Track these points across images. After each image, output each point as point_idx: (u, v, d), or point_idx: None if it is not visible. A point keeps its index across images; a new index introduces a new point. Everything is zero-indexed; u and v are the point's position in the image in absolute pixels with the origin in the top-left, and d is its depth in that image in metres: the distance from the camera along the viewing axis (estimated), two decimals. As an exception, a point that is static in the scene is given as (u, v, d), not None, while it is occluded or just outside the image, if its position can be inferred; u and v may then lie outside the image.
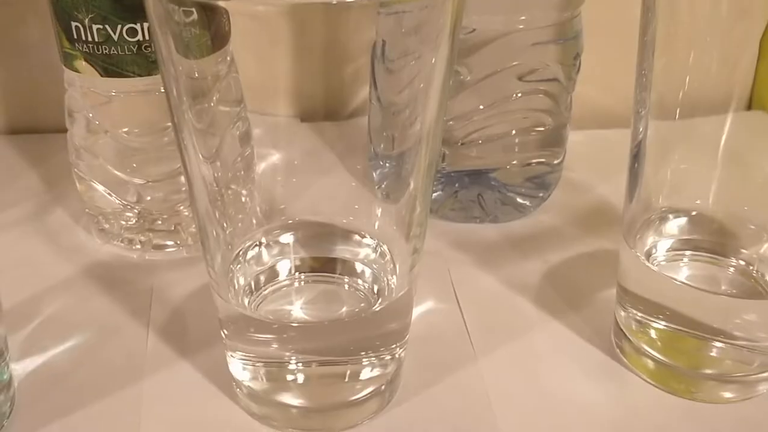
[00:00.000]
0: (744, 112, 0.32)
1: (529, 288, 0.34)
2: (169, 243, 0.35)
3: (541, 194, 0.38)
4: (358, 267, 0.29)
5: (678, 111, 0.29)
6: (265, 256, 0.29)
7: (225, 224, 0.28)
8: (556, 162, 0.38)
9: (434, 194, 0.38)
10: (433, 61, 0.24)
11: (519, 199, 0.38)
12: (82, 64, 0.32)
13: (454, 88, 0.34)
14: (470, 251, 0.36)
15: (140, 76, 0.31)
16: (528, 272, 0.35)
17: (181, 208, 0.35)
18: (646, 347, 0.29)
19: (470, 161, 0.36)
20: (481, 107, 0.34)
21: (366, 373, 0.27)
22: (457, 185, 0.38)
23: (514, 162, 0.36)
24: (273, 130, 0.30)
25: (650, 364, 0.30)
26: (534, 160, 0.37)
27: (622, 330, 0.30)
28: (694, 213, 0.30)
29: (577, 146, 0.41)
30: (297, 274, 0.29)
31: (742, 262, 0.30)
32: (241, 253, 0.28)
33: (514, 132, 0.35)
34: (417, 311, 0.32)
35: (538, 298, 0.33)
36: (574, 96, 0.37)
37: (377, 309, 0.26)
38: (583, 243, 0.37)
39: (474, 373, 0.30)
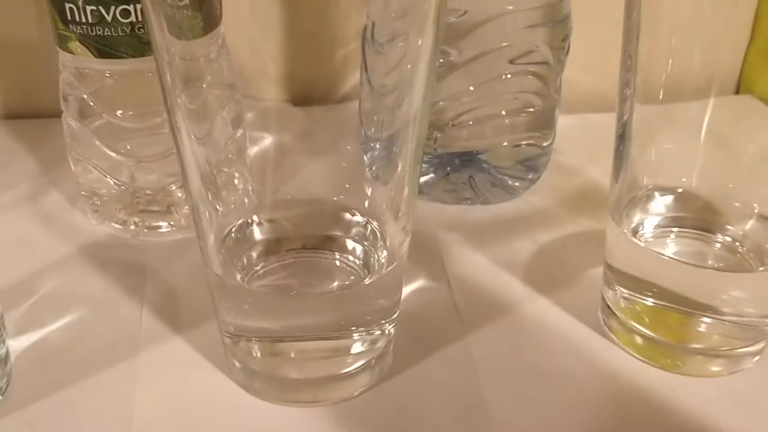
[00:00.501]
0: (732, 96, 0.32)
1: (518, 267, 0.35)
2: (163, 224, 0.36)
3: (530, 176, 0.39)
4: (349, 244, 0.29)
5: (663, 93, 0.29)
6: (257, 233, 0.29)
7: (218, 205, 0.28)
8: (545, 144, 0.38)
9: (426, 177, 0.38)
10: (419, 43, 0.25)
11: (509, 181, 0.38)
12: (76, 45, 0.32)
13: (444, 69, 0.34)
14: (461, 232, 0.37)
15: (133, 57, 0.32)
16: (517, 252, 0.35)
17: (174, 188, 0.35)
18: (633, 323, 0.30)
19: (461, 143, 0.37)
20: (471, 88, 0.35)
21: (357, 348, 0.28)
22: (448, 168, 0.38)
23: (505, 144, 0.37)
24: (266, 114, 0.31)
25: (637, 339, 0.30)
26: (524, 142, 0.37)
27: (609, 307, 0.31)
28: (680, 191, 0.31)
29: (568, 130, 0.42)
30: (289, 251, 0.29)
31: (728, 239, 0.30)
32: (233, 230, 0.29)
33: (503, 113, 0.36)
34: (408, 289, 0.33)
35: (527, 277, 0.34)
36: (566, 80, 0.38)
37: (367, 282, 0.27)
38: (571, 223, 0.37)
39: (463, 348, 0.30)
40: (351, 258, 0.29)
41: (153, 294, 0.32)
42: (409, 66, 0.25)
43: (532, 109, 0.36)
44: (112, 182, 0.35)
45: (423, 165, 0.38)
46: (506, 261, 0.35)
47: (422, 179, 0.39)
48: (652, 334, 0.30)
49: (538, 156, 0.38)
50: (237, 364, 0.28)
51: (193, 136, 0.26)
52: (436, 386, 0.29)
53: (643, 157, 0.30)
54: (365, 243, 0.29)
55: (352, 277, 0.28)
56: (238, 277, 0.28)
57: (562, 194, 0.39)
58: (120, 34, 0.31)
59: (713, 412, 0.28)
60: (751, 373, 0.29)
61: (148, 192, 0.35)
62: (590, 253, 0.34)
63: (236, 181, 0.30)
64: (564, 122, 0.41)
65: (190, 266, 0.33)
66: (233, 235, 0.28)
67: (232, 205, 0.29)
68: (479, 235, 0.37)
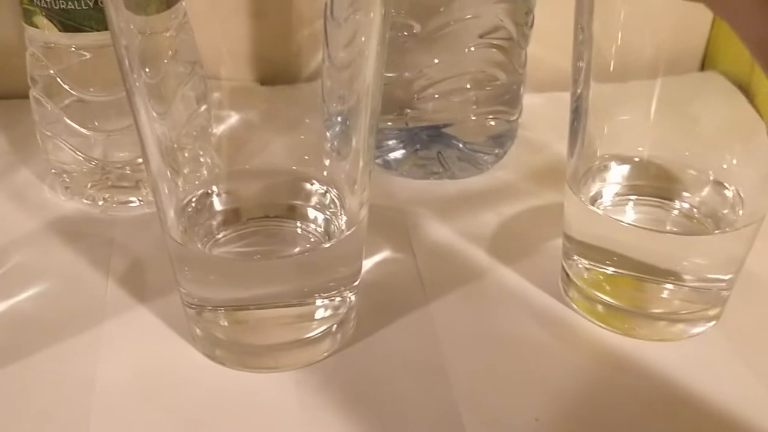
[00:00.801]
0: (696, 72, 0.33)
1: (482, 239, 0.35)
2: (132, 199, 0.36)
3: (497, 151, 0.39)
4: (310, 213, 0.30)
5: (618, 68, 0.30)
6: (218, 204, 0.30)
7: (179, 181, 0.28)
8: (512, 119, 0.38)
9: (396, 153, 0.39)
10: (371, 16, 0.25)
11: (476, 156, 0.39)
12: (41, 20, 0.32)
13: (409, 43, 0.35)
14: (428, 206, 0.37)
15: (98, 30, 0.32)
16: (482, 224, 0.36)
17: (140, 161, 0.35)
18: (594, 291, 0.30)
19: (429, 116, 0.37)
20: (436, 61, 0.35)
21: (319, 314, 0.28)
22: (418, 145, 0.39)
23: (472, 117, 0.37)
24: (232, 93, 0.31)
25: (597, 307, 0.31)
26: (490, 116, 0.38)
27: (568, 277, 0.31)
28: (636, 160, 0.31)
29: (535, 107, 0.42)
30: (250, 220, 0.30)
31: (685, 205, 0.31)
32: (194, 200, 0.29)
33: (468, 86, 0.36)
34: (373, 260, 0.33)
35: (491, 248, 0.34)
36: (535, 59, 0.38)
37: (327, 246, 0.27)
38: (536, 197, 0.38)
39: (425, 316, 0.31)
40: (312, 226, 0.29)
41: (119, 266, 0.33)
42: (363, 39, 0.26)
43: (497, 83, 0.36)
44: (81, 158, 0.36)
45: (392, 141, 0.39)
46: (471, 233, 0.35)
47: (392, 155, 0.39)
48: (612, 301, 0.30)
49: (505, 131, 0.39)
50: (199, 332, 0.28)
51: (152, 113, 0.26)
52: (397, 352, 0.29)
53: (599, 129, 0.31)
54: (326, 212, 0.29)
55: (313, 242, 0.29)
56: (199, 245, 0.28)
57: (528, 169, 0.40)
58: (83, 7, 0.32)
59: (672, 375, 0.28)
60: (708, 336, 0.30)
61: (117, 167, 0.36)
62: (553, 225, 0.35)
63: (201, 160, 0.31)
64: (532, 100, 0.41)
65: (157, 239, 0.34)
66: (194, 205, 0.29)
67: (196, 182, 0.30)
68: (446, 209, 0.37)
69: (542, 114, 0.42)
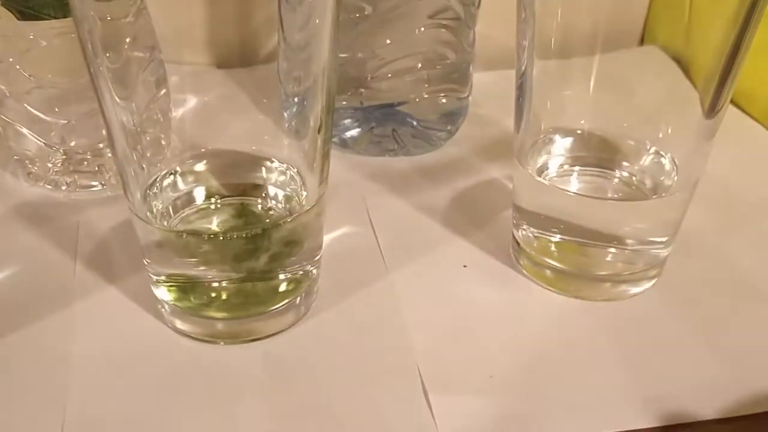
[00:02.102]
0: (636, 47, 0.34)
1: (437, 211, 0.37)
2: (94, 183, 0.37)
3: (449, 128, 0.41)
4: (271, 190, 0.31)
5: (562, 45, 0.31)
6: (181, 183, 0.31)
7: (143, 164, 0.29)
8: (462, 96, 0.40)
9: (352, 131, 0.40)
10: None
11: (430, 133, 0.40)
12: (-2, 8, 0.33)
13: (361, 24, 0.36)
14: (384, 181, 0.39)
15: (56, 18, 0.33)
16: (437, 198, 0.37)
17: (101, 146, 0.36)
18: (541, 257, 0.32)
19: (383, 95, 0.39)
20: (388, 42, 0.36)
21: (282, 288, 0.29)
22: (373, 123, 0.40)
23: (424, 95, 0.39)
24: (190, 77, 0.32)
25: (547, 272, 0.32)
26: (442, 94, 0.39)
27: (519, 245, 0.33)
28: (579, 132, 0.33)
29: (486, 85, 0.44)
30: (212, 198, 0.31)
31: (625, 174, 0.33)
32: (158, 180, 0.30)
33: (420, 66, 0.37)
34: (333, 235, 0.35)
35: (446, 220, 0.36)
36: (484, 38, 0.40)
37: (288, 222, 0.28)
38: (487, 171, 0.39)
39: (385, 285, 0.32)
40: (273, 203, 0.31)
41: (86, 248, 0.33)
42: (317, 21, 0.27)
43: (447, 62, 0.38)
44: (42, 144, 0.36)
45: (348, 120, 0.40)
46: (427, 206, 0.37)
47: (348, 134, 0.40)
48: (559, 266, 0.32)
49: (457, 108, 0.40)
50: (167, 308, 0.30)
51: (116, 98, 0.27)
52: (360, 320, 0.31)
53: (543, 104, 0.32)
54: (287, 189, 0.31)
55: (274, 218, 0.30)
56: (165, 224, 0.29)
57: (479, 144, 0.41)
58: (41, -5, 0.32)
59: (617, 332, 0.30)
60: (648, 294, 0.32)
61: (78, 153, 0.36)
62: (504, 196, 0.37)
63: (162, 143, 0.31)
64: (482, 78, 0.43)
65: (122, 221, 0.35)
66: (158, 185, 0.30)
67: (159, 164, 0.31)
68: (402, 184, 0.38)
69: (492, 91, 0.44)
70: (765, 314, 0.31)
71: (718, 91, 0.29)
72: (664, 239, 0.31)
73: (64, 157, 0.36)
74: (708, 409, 0.27)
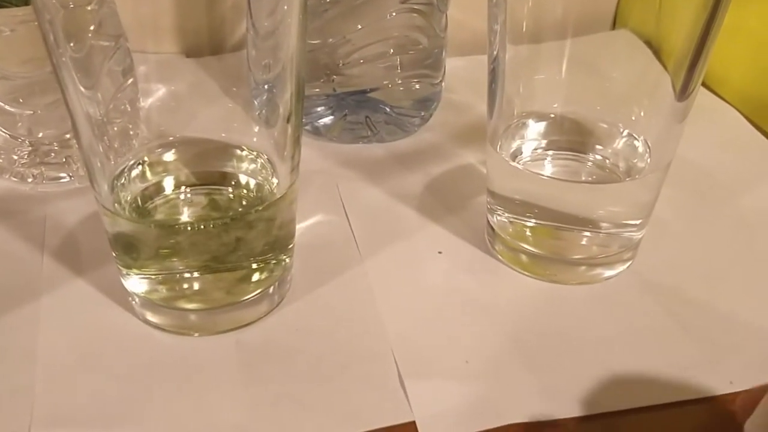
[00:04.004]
0: (608, 31, 0.34)
1: (411, 198, 0.36)
2: (62, 175, 0.36)
3: (423, 114, 0.40)
4: (242, 178, 0.30)
5: (534, 30, 0.31)
6: (149, 173, 0.30)
7: (110, 155, 0.29)
8: (435, 82, 0.40)
9: (325, 119, 0.40)
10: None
11: (403, 120, 0.40)
12: (-43, -4, 0.32)
13: (332, 10, 0.36)
14: (358, 168, 0.38)
15: (17, 5, 0.32)
16: (411, 184, 0.37)
17: (68, 137, 0.35)
18: (516, 242, 0.32)
19: (355, 81, 0.38)
20: (360, 27, 0.36)
21: (255, 277, 0.29)
22: (346, 110, 0.40)
23: (398, 81, 0.38)
24: (159, 66, 0.31)
25: (521, 257, 0.32)
26: (415, 80, 0.39)
27: (494, 230, 0.33)
28: (552, 116, 0.33)
29: (459, 71, 0.43)
30: (182, 188, 0.30)
31: (598, 157, 0.33)
32: (125, 170, 0.29)
33: (392, 51, 0.37)
34: (306, 223, 0.34)
35: (420, 206, 0.36)
36: (457, 23, 0.39)
37: (260, 209, 0.28)
38: (461, 157, 0.39)
39: (360, 272, 0.32)
40: (245, 191, 0.30)
41: (53, 240, 0.33)
42: (285, 7, 0.27)
43: (419, 47, 0.37)
44: (7, 136, 0.35)
45: (321, 108, 0.40)
46: (401, 193, 0.37)
47: (321, 121, 0.40)
48: (534, 250, 0.32)
49: (430, 94, 0.40)
50: (137, 300, 0.29)
51: (80, 88, 0.26)
52: (334, 308, 0.30)
53: (515, 89, 0.32)
54: (258, 177, 0.30)
55: (246, 206, 0.30)
56: (133, 215, 0.29)
57: (453, 130, 0.41)
58: (1, -18, 0.31)
59: (593, 314, 0.30)
60: (623, 277, 0.32)
61: (45, 144, 0.36)
62: (478, 182, 0.36)
63: (131, 133, 0.31)
64: (455, 63, 0.43)
65: (90, 212, 0.34)
66: (126, 175, 0.29)
67: (127, 154, 0.30)
68: (375, 171, 0.38)
69: (465, 77, 0.44)
70: (737, 296, 0.31)
71: (689, 73, 0.29)
72: (637, 222, 0.31)
73: (31, 148, 0.36)
74: (681, 389, 0.27)
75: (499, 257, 0.33)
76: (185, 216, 0.30)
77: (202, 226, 0.27)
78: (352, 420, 0.26)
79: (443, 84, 0.41)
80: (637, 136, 0.32)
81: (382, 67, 0.38)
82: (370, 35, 0.36)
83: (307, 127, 0.40)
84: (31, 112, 0.35)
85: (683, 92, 0.29)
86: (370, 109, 0.39)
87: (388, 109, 0.39)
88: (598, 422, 0.26)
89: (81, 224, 0.34)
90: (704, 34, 0.28)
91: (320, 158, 0.39)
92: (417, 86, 0.39)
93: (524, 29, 0.31)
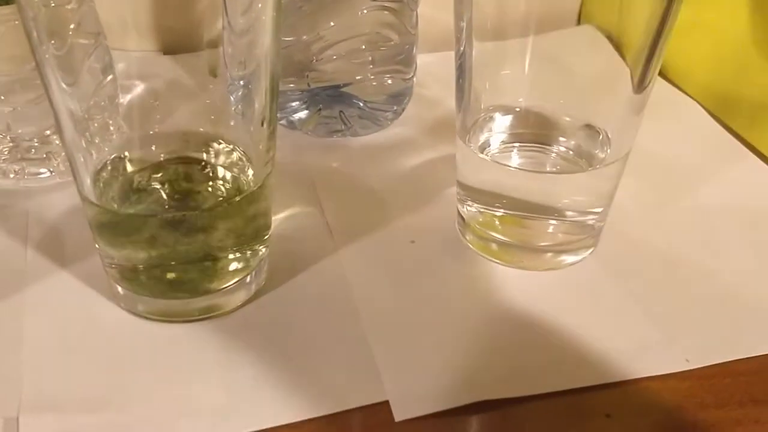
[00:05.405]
0: (574, 27, 0.36)
1: (384, 190, 0.38)
2: (43, 170, 0.37)
3: (395, 109, 0.41)
4: (219, 171, 0.31)
5: (499, 26, 0.32)
6: (129, 166, 0.31)
7: (92, 150, 0.30)
8: (407, 77, 0.41)
9: (300, 113, 0.41)
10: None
11: (376, 114, 0.41)
12: (-62, -4, 0.33)
13: (306, 7, 0.37)
14: (333, 162, 0.39)
15: (-2, 5, 0.33)
16: (384, 176, 0.38)
17: (48, 133, 0.36)
18: (486, 231, 0.34)
19: (329, 77, 0.39)
20: (332, 24, 0.37)
21: (232, 267, 0.30)
22: (320, 105, 0.41)
23: (370, 76, 0.39)
24: (137, 64, 0.32)
25: (491, 245, 0.34)
26: (387, 76, 0.40)
27: (464, 220, 0.34)
28: (518, 110, 0.34)
29: (431, 66, 0.45)
30: (160, 180, 0.31)
31: (562, 148, 0.34)
32: (107, 164, 0.30)
33: (364, 47, 0.38)
34: (282, 215, 0.35)
35: (393, 198, 0.37)
36: (428, 20, 0.41)
37: (236, 201, 0.29)
38: (433, 149, 0.40)
39: (334, 262, 0.33)
40: (222, 183, 0.31)
41: (36, 235, 0.34)
42: (260, 5, 0.28)
43: (391, 43, 0.39)
44: (-12, 133, 0.36)
45: (296, 103, 0.41)
46: (374, 185, 0.38)
47: (296, 116, 0.41)
48: (503, 238, 0.33)
49: (402, 89, 0.41)
50: (120, 290, 0.30)
51: (63, 85, 0.27)
52: (310, 297, 0.32)
53: (482, 84, 0.33)
54: (234, 169, 0.31)
55: (222, 198, 0.31)
56: (114, 206, 0.30)
57: (425, 124, 0.42)
58: (-20, -18, 0.32)
59: (559, 298, 0.32)
60: (586, 263, 0.34)
61: (26, 140, 0.36)
62: (449, 174, 0.37)
63: (111, 128, 0.32)
64: (427, 59, 0.44)
65: (72, 207, 0.35)
66: (108, 168, 0.30)
67: (107, 148, 0.31)
68: (349, 164, 0.39)
69: (436, 72, 0.45)
70: (693, 279, 0.33)
71: (646, 66, 0.30)
72: (599, 210, 0.33)
73: (12, 144, 0.36)
74: (641, 367, 0.29)
75: (470, 246, 0.34)
76: (164, 207, 0.31)
77: (179, 217, 0.28)
78: (328, 401, 0.27)
79: (415, 79, 0.42)
80: (598, 128, 0.33)
81: (355, 63, 0.39)
82: (343, 32, 0.38)
83: (283, 122, 0.41)
84: (12, 108, 0.35)
85: (641, 85, 0.31)
86: (344, 104, 0.41)
87: (361, 104, 0.41)
88: (562, 398, 0.28)
89: (63, 218, 0.35)
90: (660, 28, 0.29)
91: (295, 152, 0.40)
92: (389, 81, 0.40)
93: (489, 26, 0.32)
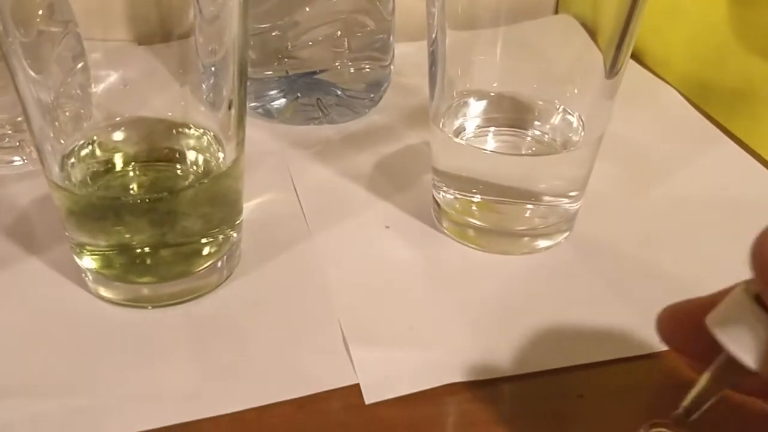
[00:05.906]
0: (551, 15, 0.36)
1: (361, 176, 0.37)
2: (15, 158, 0.37)
3: (373, 96, 0.41)
4: (190, 155, 0.31)
5: (468, 12, 0.32)
6: (98, 151, 0.31)
7: (61, 139, 0.29)
8: (384, 65, 0.41)
9: (278, 101, 0.41)
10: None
11: (354, 102, 0.41)
12: None
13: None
14: (309, 149, 0.39)
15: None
16: (361, 163, 0.38)
17: (20, 120, 0.36)
18: (462, 217, 0.33)
19: (305, 63, 0.39)
20: (307, 9, 0.37)
21: (204, 251, 0.30)
22: (298, 93, 0.41)
23: (347, 63, 0.39)
24: (110, 54, 0.32)
25: (468, 231, 0.33)
26: (364, 63, 0.40)
27: (440, 207, 0.34)
28: (492, 95, 0.34)
29: (408, 56, 0.45)
30: (131, 164, 0.31)
31: (537, 132, 0.34)
32: (75, 149, 0.30)
33: (339, 33, 0.38)
34: (256, 201, 0.35)
35: (369, 185, 0.37)
36: (406, 10, 0.40)
37: (205, 181, 0.29)
38: (410, 137, 0.40)
39: (308, 247, 0.33)
40: (192, 167, 0.31)
41: (6, 221, 0.33)
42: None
43: (367, 29, 0.39)
44: (-41, 121, 0.36)
45: (274, 91, 0.40)
46: (350, 172, 0.38)
47: (273, 104, 0.41)
48: (480, 224, 0.33)
49: (380, 77, 0.41)
50: (89, 275, 0.30)
51: (30, 73, 0.27)
52: (283, 281, 0.31)
53: (455, 71, 0.33)
54: (205, 153, 0.31)
55: (192, 180, 0.30)
56: (84, 191, 0.29)
57: (401, 111, 0.42)
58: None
59: (536, 281, 0.32)
60: (562, 246, 0.34)
61: (-3, 129, 0.36)
62: (426, 161, 0.37)
63: (82, 117, 0.31)
64: (405, 49, 0.44)
65: (43, 194, 0.35)
66: (76, 154, 0.30)
67: (77, 134, 0.31)
68: (326, 151, 0.39)
69: (415, 61, 0.44)
70: (665, 262, 0.33)
71: (617, 52, 0.30)
72: (574, 193, 0.33)
73: (-17, 132, 0.36)
74: (616, 347, 0.29)
75: (446, 232, 0.34)
76: (133, 191, 0.30)
77: (147, 200, 0.28)
78: (299, 385, 0.27)
79: (392, 67, 0.42)
80: (571, 112, 0.33)
81: (332, 49, 0.39)
82: (318, 17, 0.37)
83: (260, 110, 0.41)
84: (-17, 96, 0.35)
85: (612, 70, 0.31)
86: (321, 92, 0.40)
87: (339, 92, 0.41)
88: (535, 380, 0.28)
89: (34, 205, 0.34)
90: (630, 15, 0.29)
91: (272, 139, 0.40)
92: (367, 69, 0.40)
93: (460, 12, 0.32)
